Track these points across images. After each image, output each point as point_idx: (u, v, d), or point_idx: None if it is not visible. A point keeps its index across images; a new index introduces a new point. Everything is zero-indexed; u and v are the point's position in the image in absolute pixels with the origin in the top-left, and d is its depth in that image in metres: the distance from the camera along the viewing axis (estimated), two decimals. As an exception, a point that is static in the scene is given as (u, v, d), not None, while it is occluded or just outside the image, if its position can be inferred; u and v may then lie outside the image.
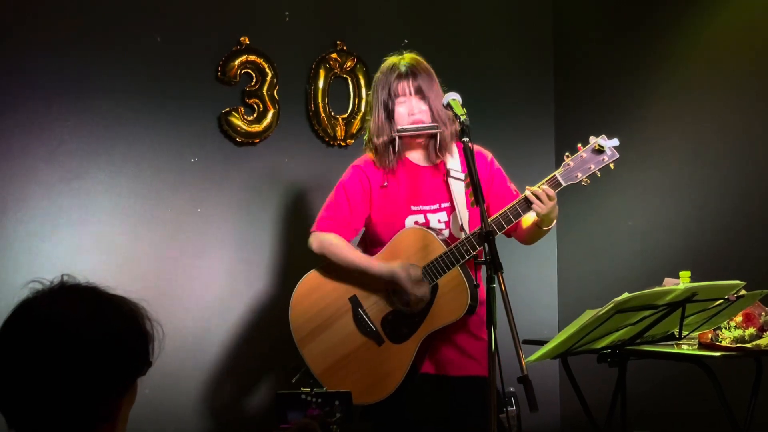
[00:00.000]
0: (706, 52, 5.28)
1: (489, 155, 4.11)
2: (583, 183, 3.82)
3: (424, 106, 3.99)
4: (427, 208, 4.02)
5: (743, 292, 3.60)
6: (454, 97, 3.76)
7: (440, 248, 3.91)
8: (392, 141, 4.00)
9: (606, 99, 5.72)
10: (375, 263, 3.99)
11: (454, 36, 5.67)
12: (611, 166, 3.81)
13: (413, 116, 3.98)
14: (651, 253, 5.42)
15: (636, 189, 5.50)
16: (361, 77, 5.31)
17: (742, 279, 3.55)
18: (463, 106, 3.72)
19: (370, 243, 4.14)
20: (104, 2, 4.65)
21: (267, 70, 5.02)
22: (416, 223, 4.00)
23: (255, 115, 5.01)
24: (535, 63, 5.98)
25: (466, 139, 3.54)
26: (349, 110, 5.30)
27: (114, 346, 1.75)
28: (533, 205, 3.78)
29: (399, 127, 3.98)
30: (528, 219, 3.95)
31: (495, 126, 5.63)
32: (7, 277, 4.32)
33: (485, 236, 3.32)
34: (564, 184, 3.81)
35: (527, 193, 3.80)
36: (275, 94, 5.05)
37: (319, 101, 5.19)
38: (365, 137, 4.13)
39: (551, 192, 3.78)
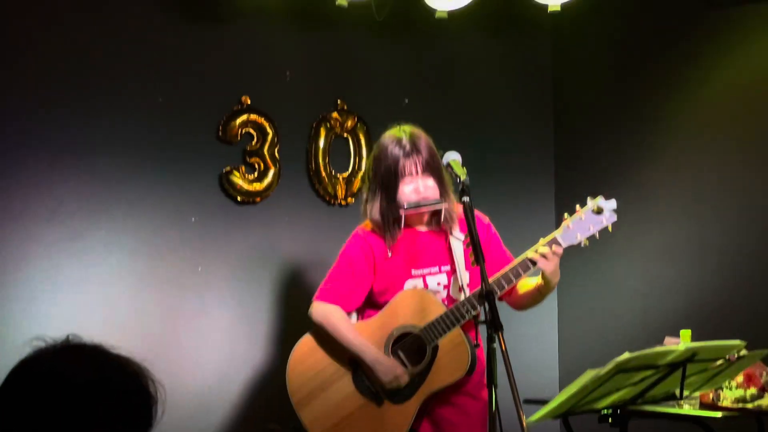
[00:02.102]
0: (705, 112, 5.31)
1: (486, 219, 4.10)
2: (582, 245, 3.81)
3: (431, 182, 3.92)
4: (426, 271, 3.99)
5: (744, 352, 3.59)
6: (454, 157, 3.77)
7: (440, 309, 3.89)
8: (397, 218, 3.95)
9: (605, 159, 5.73)
10: (368, 352, 3.95)
11: (454, 96, 5.70)
12: (609, 228, 3.80)
13: (420, 194, 3.91)
14: (651, 312, 5.41)
15: (636, 248, 5.51)
16: (361, 136, 5.34)
17: (743, 339, 3.54)
18: (462, 165, 3.74)
19: (370, 306, 4.11)
20: (106, 62, 4.68)
21: (268, 129, 5.04)
22: (415, 287, 3.99)
23: (256, 174, 5.02)
24: (534, 123, 6.01)
25: (466, 199, 3.55)
26: (350, 169, 5.32)
27: (119, 406, 1.72)
28: (539, 263, 3.76)
29: (406, 204, 3.91)
30: (528, 284, 3.94)
31: (494, 185, 5.65)
32: (7, 337, 4.29)
33: (486, 295, 3.32)
34: (564, 245, 3.79)
35: (530, 254, 3.78)
36: (276, 153, 5.07)
37: (320, 160, 5.21)
38: (362, 208, 4.07)
39: (559, 249, 3.77)
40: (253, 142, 5.02)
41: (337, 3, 4.76)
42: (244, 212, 5.01)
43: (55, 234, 4.52)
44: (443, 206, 3.94)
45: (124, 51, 4.73)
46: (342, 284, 4.03)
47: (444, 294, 4.00)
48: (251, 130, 5.02)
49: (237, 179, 4.96)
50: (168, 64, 4.86)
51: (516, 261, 3.84)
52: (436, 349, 3.92)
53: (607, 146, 5.75)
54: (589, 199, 3.82)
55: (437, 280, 4.00)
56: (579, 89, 5.98)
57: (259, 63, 5.11)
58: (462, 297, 3.91)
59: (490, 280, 3.75)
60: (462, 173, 3.66)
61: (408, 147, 3.90)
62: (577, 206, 3.82)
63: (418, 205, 3.92)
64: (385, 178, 3.92)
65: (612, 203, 3.79)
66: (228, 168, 4.95)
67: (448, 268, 4.00)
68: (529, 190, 5.93)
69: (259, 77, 5.10)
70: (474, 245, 3.44)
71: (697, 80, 5.33)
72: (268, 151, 5.04)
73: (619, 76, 5.76)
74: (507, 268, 3.82)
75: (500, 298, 3.95)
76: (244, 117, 4.99)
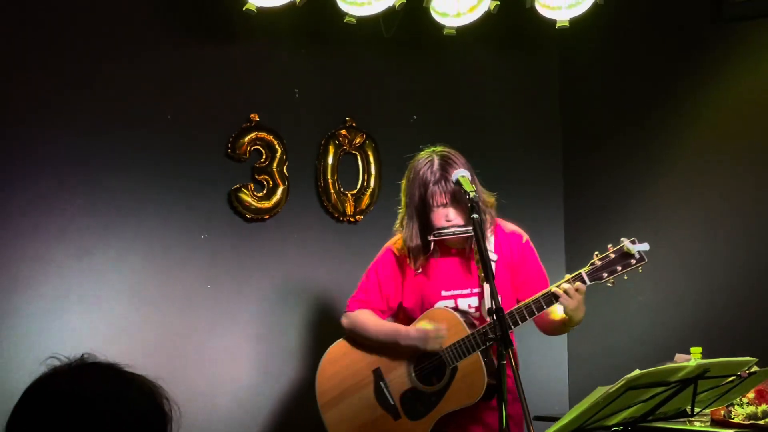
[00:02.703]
0: (716, 128, 5.31)
1: (524, 237, 4.14)
2: (608, 284, 3.83)
3: (458, 211, 3.95)
4: (458, 293, 4.05)
5: (755, 368, 3.57)
6: (463, 174, 3.80)
7: (463, 332, 3.93)
8: (427, 244, 4.01)
9: (615, 174, 5.73)
10: (397, 330, 4.05)
11: (462, 112, 5.71)
12: (639, 269, 3.82)
13: (450, 222, 3.93)
14: (661, 328, 5.40)
15: (646, 265, 5.49)
16: (370, 153, 5.34)
17: (754, 355, 3.53)
18: (471, 182, 3.75)
19: (406, 321, 4.16)
20: (115, 80, 4.69)
21: (276, 146, 5.05)
22: (445, 307, 4.04)
23: (265, 191, 5.03)
24: (543, 138, 6.00)
25: (475, 216, 3.56)
26: (359, 186, 5.32)
27: (134, 425, 1.72)
28: (561, 299, 3.77)
29: (435, 231, 3.96)
30: (557, 313, 3.95)
31: (501, 201, 5.64)
32: (19, 355, 4.30)
33: (495, 312, 3.33)
34: (589, 283, 3.80)
35: (553, 288, 3.80)
36: (285, 171, 5.07)
37: (329, 177, 5.22)
38: (396, 226, 4.13)
39: (582, 287, 3.78)
40: (262, 160, 5.03)
41: (345, 20, 4.77)
42: (253, 229, 5.01)
43: (66, 252, 4.52)
44: (471, 234, 3.93)
45: (133, 68, 4.74)
46: (370, 295, 4.15)
47: (477, 315, 4.05)
48: (260, 148, 5.02)
49: (246, 197, 4.96)
50: (177, 82, 4.87)
51: (539, 294, 3.85)
52: (455, 370, 3.97)
53: (616, 161, 5.75)
54: (623, 239, 3.81)
55: (468, 302, 4.05)
56: (587, 105, 5.98)
57: (267, 80, 5.12)
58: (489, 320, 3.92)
59: (513, 309, 3.84)
60: (471, 190, 3.68)
61: (438, 174, 3.92)
62: (609, 246, 3.83)
63: (445, 234, 3.96)
64: (418, 206, 3.97)
65: (644, 246, 3.79)
66: (237, 185, 4.95)
67: (478, 290, 4.05)
68: (538, 206, 5.93)
69: (268, 94, 5.11)
70: (483, 262, 3.48)
71: (706, 95, 5.33)
72: (276, 168, 5.04)
73: (627, 91, 5.76)
74: (530, 300, 3.85)
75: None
76: (252, 134, 5.00)
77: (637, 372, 3.18)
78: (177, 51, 4.88)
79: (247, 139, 4.98)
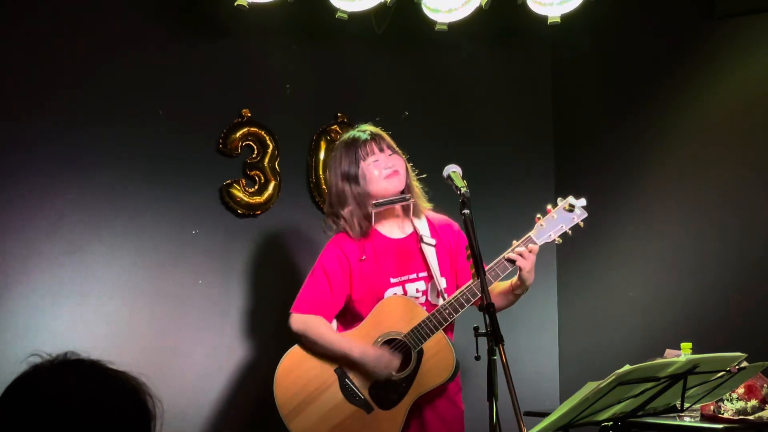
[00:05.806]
0: (706, 124, 5.31)
1: (456, 225, 4.20)
2: (555, 242, 3.97)
3: (398, 160, 4.08)
4: (405, 278, 4.06)
5: (745, 363, 3.58)
6: (454, 169, 3.80)
7: (422, 313, 3.96)
8: (366, 214, 4.05)
9: (606, 171, 5.74)
10: (354, 348, 4.00)
11: (454, 107, 5.71)
12: (580, 224, 3.97)
13: (389, 169, 4.03)
14: (652, 324, 5.41)
15: (637, 261, 5.51)
16: (362, 149, 5.34)
17: (744, 350, 3.54)
18: (462, 177, 3.75)
19: (351, 318, 4.15)
20: (107, 76, 4.69)
21: (268, 142, 5.05)
22: (395, 294, 4.06)
23: (256, 186, 5.02)
24: (534, 134, 6.01)
25: (466, 212, 3.56)
26: (350, 182, 5.32)
27: (116, 423, 1.70)
28: (518, 261, 3.89)
29: (375, 202, 4.02)
30: (501, 284, 4.06)
31: (494, 197, 5.65)
32: (8, 351, 4.29)
33: (486, 308, 3.34)
34: (539, 244, 3.93)
35: (507, 254, 3.92)
36: (276, 166, 5.07)
37: (321, 173, 5.21)
38: (325, 221, 4.21)
39: (534, 247, 3.91)
40: (254, 155, 5.03)
41: (337, 15, 4.77)
42: (244, 225, 5.01)
43: (56, 247, 4.52)
44: (409, 202, 4.07)
45: (125, 64, 4.74)
46: (319, 294, 4.08)
47: (423, 299, 4.07)
48: (252, 143, 5.02)
49: (237, 192, 4.96)
50: (169, 77, 4.87)
51: (493, 262, 3.93)
52: (421, 353, 3.98)
53: (607, 158, 5.75)
54: (559, 199, 4.00)
55: (416, 286, 4.07)
56: (579, 101, 5.99)
57: (259, 76, 5.12)
58: (441, 302, 3.98)
59: (472, 282, 3.89)
60: (462, 185, 3.68)
61: (365, 135, 4.08)
62: (548, 206, 4.00)
63: (385, 203, 4.04)
64: (348, 169, 4.06)
65: (582, 201, 4.00)
66: (228, 181, 4.95)
67: (425, 274, 4.08)
68: (528, 203, 5.91)
69: (260, 90, 5.11)
70: (474, 258, 3.48)
71: (698, 91, 5.33)
72: (268, 163, 5.04)
73: (619, 87, 5.76)
74: (488, 267, 3.89)
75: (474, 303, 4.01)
76: (244, 130, 5.00)
77: (627, 367, 3.19)
78: (168, 47, 4.88)
79: (238, 134, 4.98)
